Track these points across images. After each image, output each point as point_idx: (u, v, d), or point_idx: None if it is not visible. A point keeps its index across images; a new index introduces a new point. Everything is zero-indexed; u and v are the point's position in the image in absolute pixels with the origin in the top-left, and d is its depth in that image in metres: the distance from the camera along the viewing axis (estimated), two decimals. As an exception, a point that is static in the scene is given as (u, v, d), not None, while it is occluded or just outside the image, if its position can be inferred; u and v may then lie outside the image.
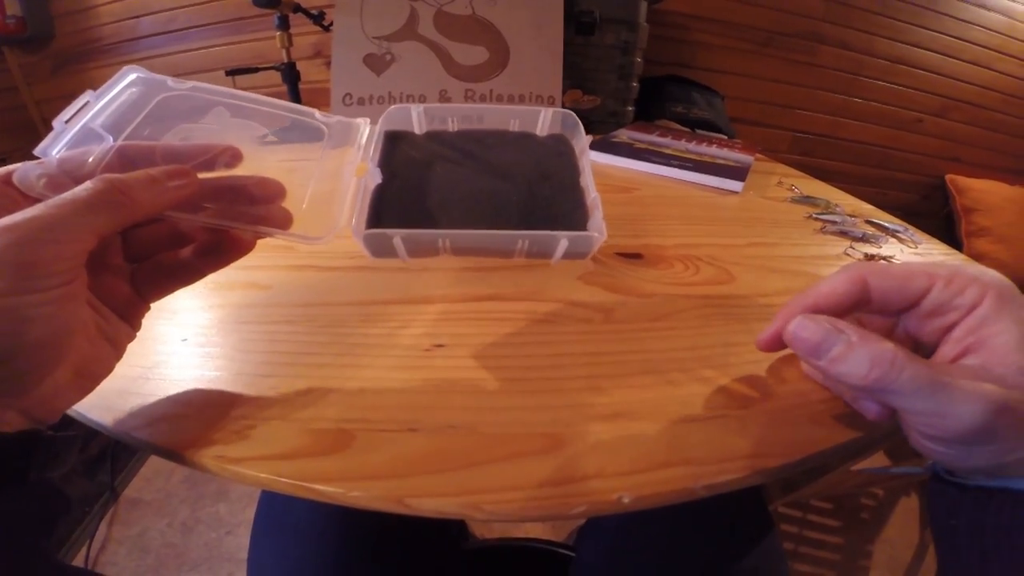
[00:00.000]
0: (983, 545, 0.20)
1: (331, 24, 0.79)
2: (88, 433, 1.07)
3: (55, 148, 0.23)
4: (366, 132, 0.32)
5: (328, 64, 0.86)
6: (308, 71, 0.94)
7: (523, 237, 0.28)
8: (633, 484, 0.21)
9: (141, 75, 0.27)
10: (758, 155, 0.71)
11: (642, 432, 0.24)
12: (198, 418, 0.24)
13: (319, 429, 0.23)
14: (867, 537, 1.05)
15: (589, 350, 0.29)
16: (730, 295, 0.36)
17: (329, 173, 0.30)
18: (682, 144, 0.71)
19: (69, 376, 0.20)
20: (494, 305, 0.33)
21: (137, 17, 1.26)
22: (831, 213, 0.52)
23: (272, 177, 0.26)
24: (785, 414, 0.25)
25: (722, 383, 0.27)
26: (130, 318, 0.24)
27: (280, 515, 0.39)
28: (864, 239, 0.47)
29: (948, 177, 1.44)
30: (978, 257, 1.30)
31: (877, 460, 1.05)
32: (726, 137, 0.89)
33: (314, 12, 0.83)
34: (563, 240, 0.28)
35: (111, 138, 0.24)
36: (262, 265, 0.36)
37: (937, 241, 0.49)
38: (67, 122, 0.24)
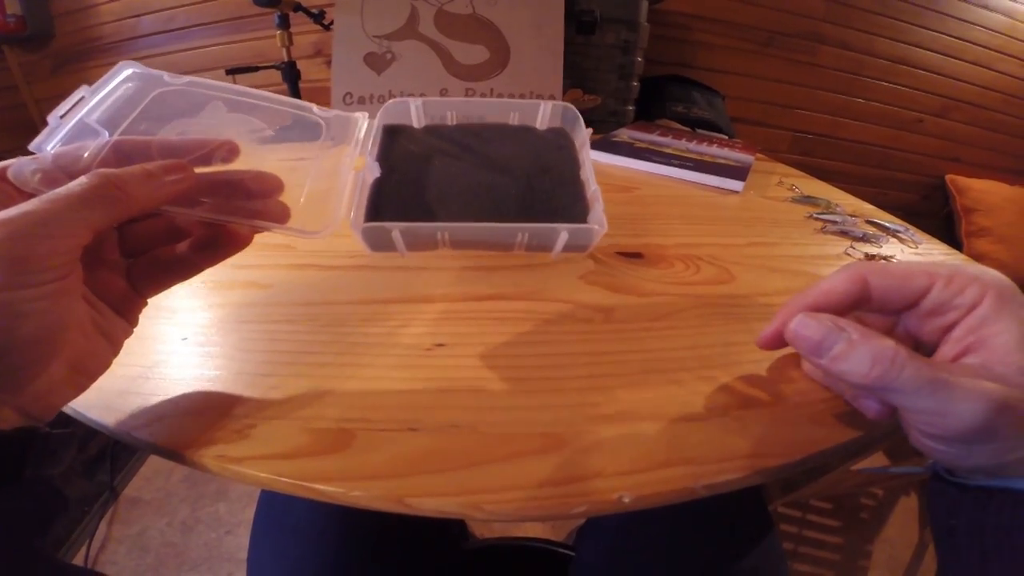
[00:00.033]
0: (983, 545, 0.20)
1: (331, 23, 0.79)
2: (87, 433, 1.07)
3: (50, 143, 0.23)
4: (364, 126, 0.32)
5: (328, 63, 0.86)
6: (308, 70, 0.94)
7: (523, 230, 0.28)
8: (633, 484, 0.21)
9: (137, 70, 0.27)
10: (758, 155, 0.71)
11: (642, 432, 0.24)
12: (199, 417, 0.24)
13: (320, 428, 0.23)
14: (867, 537, 1.05)
15: (589, 350, 0.29)
16: (730, 295, 0.36)
17: (327, 168, 0.29)
18: (683, 144, 0.71)
19: (65, 372, 0.20)
20: (495, 304, 0.33)
21: (137, 16, 1.26)
22: (831, 213, 0.52)
23: (269, 172, 0.26)
24: (785, 414, 0.25)
25: (722, 383, 0.27)
26: (127, 313, 0.24)
27: (280, 515, 0.39)
28: (864, 239, 0.47)
29: (948, 177, 1.44)
30: (978, 257, 1.30)
31: (877, 460, 1.05)
32: (726, 137, 0.89)
33: (314, 11, 0.83)
34: (563, 233, 0.28)
35: (107, 133, 0.24)
36: (262, 264, 0.36)
37: (937, 241, 0.49)
38: (62, 117, 0.23)
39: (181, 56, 1.27)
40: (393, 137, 0.35)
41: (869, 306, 0.24)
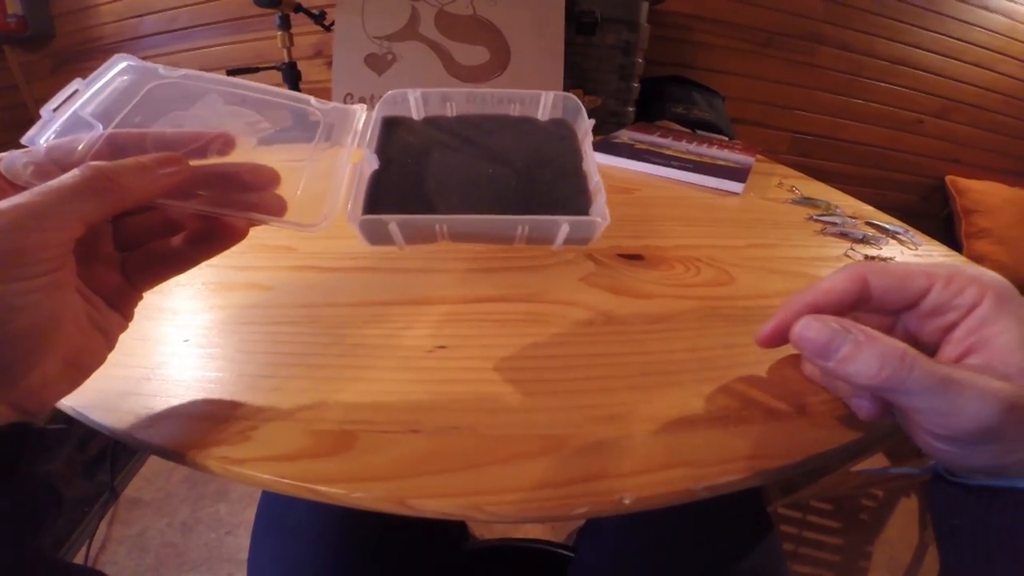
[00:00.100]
0: (986, 545, 0.20)
1: (332, 24, 0.79)
2: (87, 433, 1.07)
3: (43, 136, 0.22)
4: (363, 118, 0.32)
5: (329, 64, 0.87)
6: (309, 71, 0.94)
7: (523, 222, 0.28)
8: (634, 485, 0.21)
9: (132, 63, 0.27)
10: (758, 156, 0.71)
11: (643, 433, 0.24)
12: (201, 419, 0.24)
13: (321, 430, 0.23)
14: (867, 538, 1.05)
15: (590, 351, 0.29)
16: (730, 296, 0.36)
17: (325, 161, 0.29)
18: (683, 145, 0.71)
19: (59, 367, 0.19)
20: (495, 306, 0.33)
21: (139, 16, 1.27)
22: (831, 214, 0.52)
23: (266, 164, 0.26)
24: (785, 415, 0.25)
25: (722, 384, 0.27)
26: (122, 308, 0.24)
27: (280, 516, 0.39)
28: (864, 240, 0.47)
29: (948, 178, 1.44)
30: (978, 259, 1.30)
31: (877, 461, 1.05)
32: (726, 138, 0.89)
33: (315, 12, 0.83)
34: (564, 225, 0.28)
35: (100, 126, 0.23)
36: (263, 266, 0.36)
37: (937, 243, 0.49)
38: (55, 110, 0.23)
39: (182, 57, 1.27)
40: (392, 129, 0.34)
41: (868, 306, 0.24)
